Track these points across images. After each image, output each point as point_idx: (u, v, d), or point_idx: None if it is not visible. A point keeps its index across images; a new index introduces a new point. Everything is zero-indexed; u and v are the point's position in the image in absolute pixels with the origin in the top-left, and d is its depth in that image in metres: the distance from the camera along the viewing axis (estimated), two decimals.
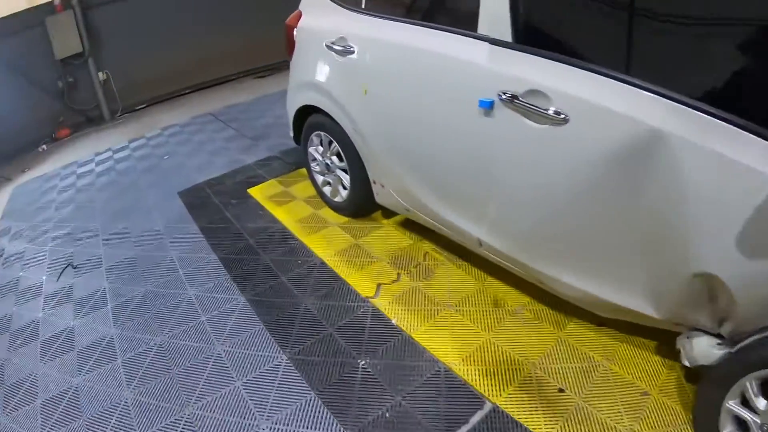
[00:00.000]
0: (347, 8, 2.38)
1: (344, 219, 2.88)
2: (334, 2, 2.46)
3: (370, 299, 2.22)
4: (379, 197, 2.55)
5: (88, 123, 5.87)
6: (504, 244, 1.85)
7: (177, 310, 2.38)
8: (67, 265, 2.97)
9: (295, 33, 2.70)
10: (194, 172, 3.90)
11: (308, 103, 2.67)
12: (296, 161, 3.72)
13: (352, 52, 2.26)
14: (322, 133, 2.71)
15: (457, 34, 1.78)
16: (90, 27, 5.50)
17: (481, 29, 1.69)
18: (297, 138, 3.02)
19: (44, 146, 5.38)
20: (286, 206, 3.13)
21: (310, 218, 2.95)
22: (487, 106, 1.62)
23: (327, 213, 2.97)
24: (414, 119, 2.05)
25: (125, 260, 2.90)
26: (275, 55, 6.47)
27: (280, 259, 2.64)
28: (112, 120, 5.92)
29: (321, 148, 2.80)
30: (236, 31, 6.31)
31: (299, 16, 2.71)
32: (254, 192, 3.39)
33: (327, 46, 2.40)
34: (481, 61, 1.65)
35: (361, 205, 2.77)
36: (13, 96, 5.19)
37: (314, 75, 2.55)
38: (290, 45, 2.77)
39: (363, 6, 2.32)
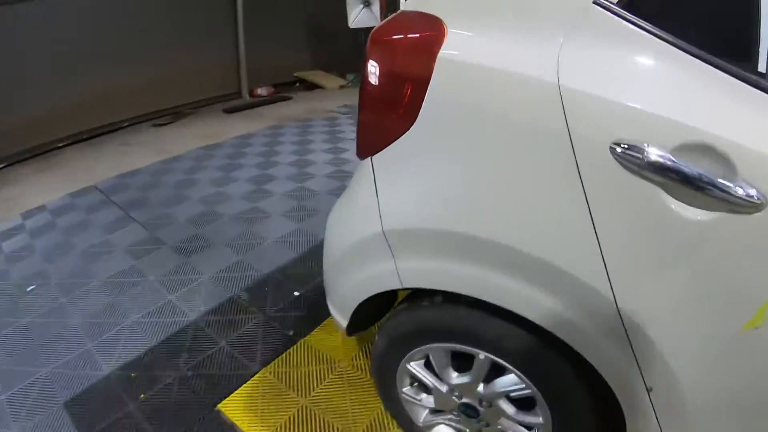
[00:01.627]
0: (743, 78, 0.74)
1: None
2: (671, 41, 0.77)
3: None
4: None
5: None
6: None
7: None
8: None
9: (400, 78, 0.99)
10: (84, 336, 2.03)
11: (449, 289, 1.08)
12: (285, 313, 2.07)
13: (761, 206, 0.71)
14: (482, 355, 1.13)
15: None
16: None
17: None
18: (359, 327, 1.41)
19: None
20: None
21: None
22: None
23: None
24: None
25: None
26: (177, 96, 5.19)
27: None
28: None
29: (451, 373, 1.25)
30: (129, 64, 4.66)
31: (435, 30, 0.93)
32: (234, 413, 1.62)
33: (630, 163, 0.77)
34: None
35: None
36: None
37: (504, 224, 0.94)
38: (385, 108, 1.04)
39: None
